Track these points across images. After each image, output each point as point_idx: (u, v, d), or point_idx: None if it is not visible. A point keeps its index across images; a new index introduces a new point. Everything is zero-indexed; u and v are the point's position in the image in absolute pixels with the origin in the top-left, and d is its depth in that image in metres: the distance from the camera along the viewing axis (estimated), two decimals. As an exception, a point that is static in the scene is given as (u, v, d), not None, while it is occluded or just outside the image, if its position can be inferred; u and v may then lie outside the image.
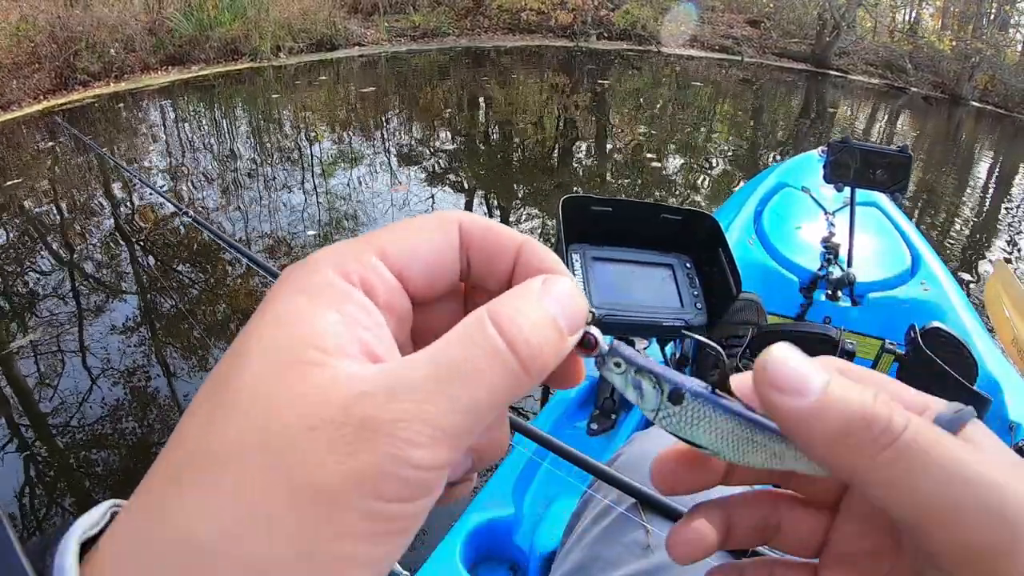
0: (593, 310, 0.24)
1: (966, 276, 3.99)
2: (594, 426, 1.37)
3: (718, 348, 0.27)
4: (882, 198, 2.26)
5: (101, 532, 0.19)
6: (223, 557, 0.17)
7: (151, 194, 4.39)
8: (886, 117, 9.53)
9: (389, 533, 0.18)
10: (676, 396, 0.24)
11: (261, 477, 0.17)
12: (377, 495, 0.18)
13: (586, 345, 0.24)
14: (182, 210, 1.78)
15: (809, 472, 0.25)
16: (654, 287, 1.31)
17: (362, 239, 0.23)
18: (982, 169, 7.23)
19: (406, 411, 0.18)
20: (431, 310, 0.25)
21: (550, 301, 0.22)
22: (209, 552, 0.17)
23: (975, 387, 1.10)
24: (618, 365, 0.24)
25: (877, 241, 2.04)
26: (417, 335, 0.25)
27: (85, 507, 0.20)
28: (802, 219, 2.09)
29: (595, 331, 0.24)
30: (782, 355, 0.23)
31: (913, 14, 12.67)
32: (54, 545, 0.18)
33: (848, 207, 1.81)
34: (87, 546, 0.19)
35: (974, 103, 10.51)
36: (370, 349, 0.20)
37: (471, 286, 0.27)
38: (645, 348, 1.53)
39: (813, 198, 2.13)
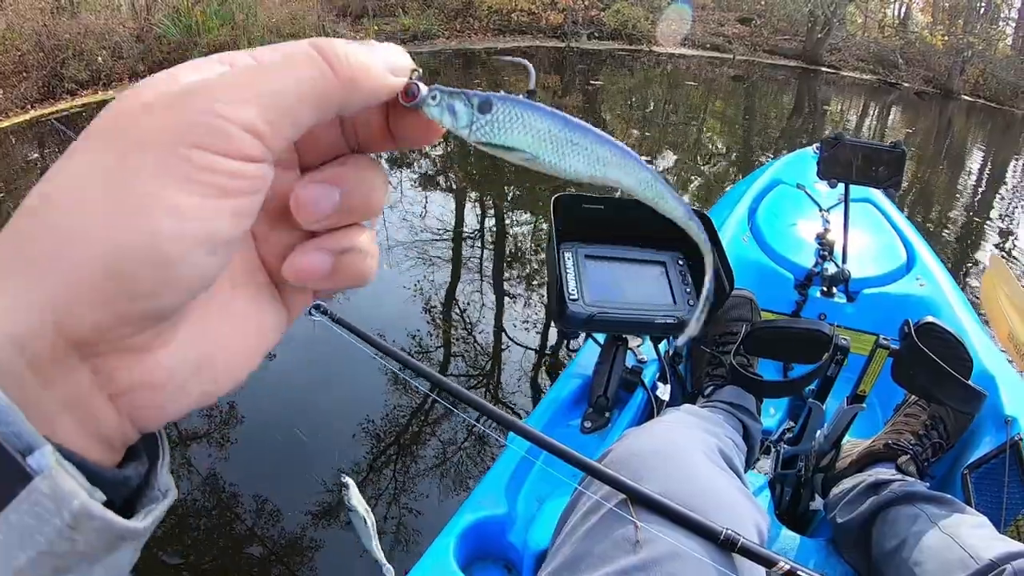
0: (418, 69, 0.25)
1: (961, 271, 3.99)
2: (587, 424, 1.36)
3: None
4: (877, 194, 2.26)
5: None
6: (53, 204, 0.19)
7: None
8: (878, 113, 9.55)
9: (201, 183, 0.20)
10: (485, 105, 0.25)
11: (101, 143, 0.20)
12: (189, 143, 0.19)
13: (410, 95, 0.25)
14: None
15: (628, 186, 0.27)
16: (647, 284, 1.30)
17: None
18: (975, 163, 7.26)
19: (220, 81, 0.21)
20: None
21: (374, 48, 0.24)
22: (42, 206, 0.19)
23: (970, 382, 1.09)
24: (434, 99, 0.25)
25: (872, 237, 2.03)
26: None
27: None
28: (797, 216, 2.08)
29: (419, 83, 0.25)
30: None
31: (903, 9, 12.72)
32: None
33: (842, 203, 1.81)
34: None
35: (965, 97, 10.56)
36: None
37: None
38: (640, 346, 1.52)
39: (808, 195, 2.12)
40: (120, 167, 0.19)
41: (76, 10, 7.55)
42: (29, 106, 6.49)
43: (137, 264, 0.19)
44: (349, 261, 0.25)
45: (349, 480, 0.73)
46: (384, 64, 0.24)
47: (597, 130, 0.26)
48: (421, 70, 0.25)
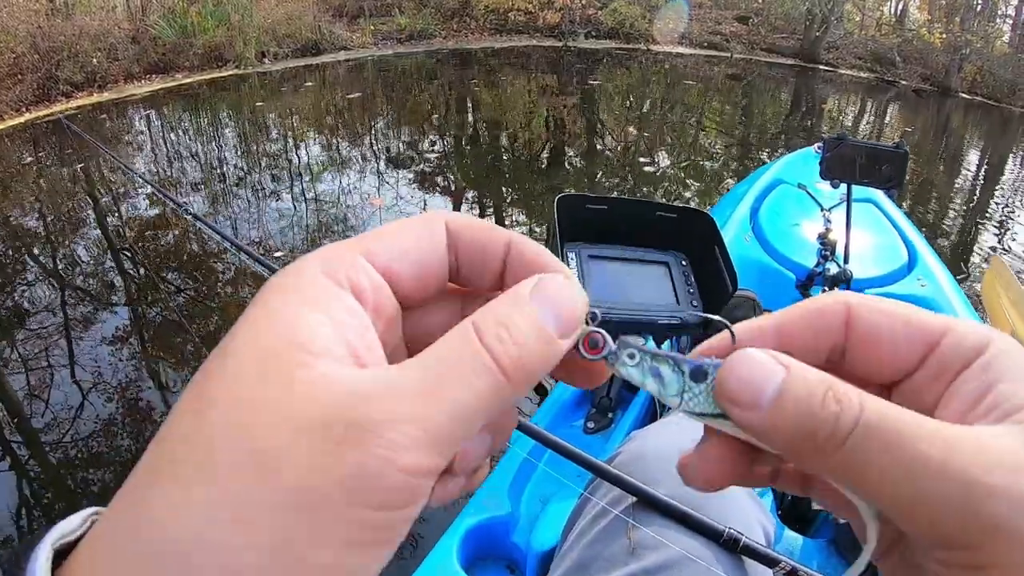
0: (596, 309, 0.23)
1: (962, 271, 3.99)
2: (590, 425, 1.36)
3: (727, 323, 0.25)
4: (879, 194, 2.26)
5: (80, 538, 0.19)
6: (198, 560, 0.16)
7: (143, 204, 4.35)
8: (876, 110, 9.56)
9: (373, 543, 0.18)
10: (698, 374, 0.23)
11: (242, 479, 0.17)
12: (363, 502, 0.17)
13: (593, 345, 0.23)
14: (187, 211, 1.76)
15: None
16: (650, 285, 1.30)
17: (349, 240, 0.23)
18: (973, 161, 7.26)
19: (393, 412, 0.18)
20: (427, 313, 0.25)
21: (541, 305, 0.21)
22: (184, 554, 0.16)
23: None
24: (632, 357, 0.24)
25: (874, 237, 2.04)
26: (413, 339, 0.25)
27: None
28: (799, 216, 2.08)
29: (601, 331, 0.23)
30: (735, 364, 0.22)
31: (900, 7, 12.73)
32: (29, 551, 0.18)
33: (844, 203, 1.81)
34: (68, 553, 0.18)
35: (963, 95, 10.56)
36: (356, 353, 0.20)
37: (466, 287, 0.26)
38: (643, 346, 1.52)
39: (810, 195, 2.12)
40: (286, 530, 0.17)
41: (71, 11, 7.53)
42: (24, 108, 6.47)
43: None
44: (478, 476, 0.25)
45: None
46: (557, 330, 0.21)
47: None
48: (596, 311, 0.23)
